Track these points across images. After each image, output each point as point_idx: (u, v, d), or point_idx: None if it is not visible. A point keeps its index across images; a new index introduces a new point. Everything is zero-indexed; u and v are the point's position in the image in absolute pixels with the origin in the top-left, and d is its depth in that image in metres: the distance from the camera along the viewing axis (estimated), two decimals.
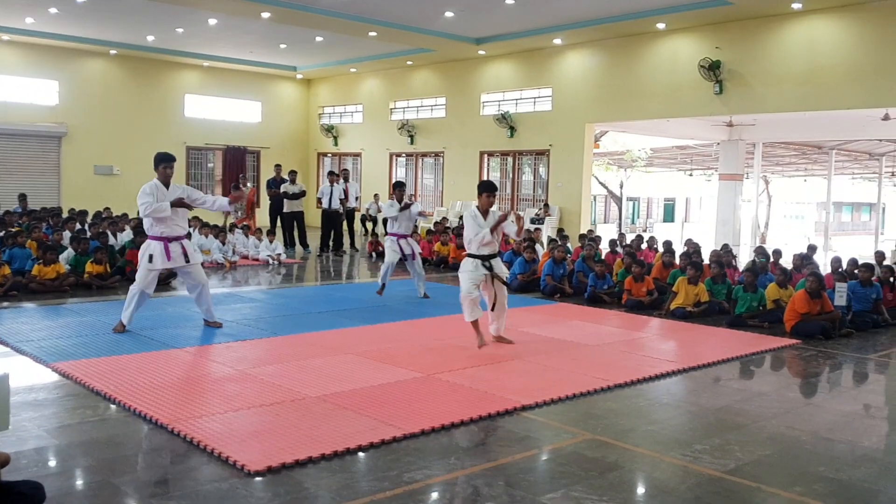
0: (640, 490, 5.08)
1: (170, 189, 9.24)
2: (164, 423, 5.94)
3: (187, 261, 9.36)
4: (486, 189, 8.98)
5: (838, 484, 5.16)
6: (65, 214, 18.85)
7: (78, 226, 16.18)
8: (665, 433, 6.18)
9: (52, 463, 5.24)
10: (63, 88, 25.29)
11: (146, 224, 9.27)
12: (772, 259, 13.97)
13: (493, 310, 9.09)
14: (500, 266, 9.03)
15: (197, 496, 4.69)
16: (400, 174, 27.54)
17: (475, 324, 8.87)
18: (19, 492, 4.18)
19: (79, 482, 4.97)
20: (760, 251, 14.78)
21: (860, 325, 10.89)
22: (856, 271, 12.10)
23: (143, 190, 9.08)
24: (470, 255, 8.97)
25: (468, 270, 8.87)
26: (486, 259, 8.88)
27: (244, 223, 19.06)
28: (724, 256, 13.76)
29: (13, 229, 15.18)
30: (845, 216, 61.62)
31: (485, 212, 8.99)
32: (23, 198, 19.83)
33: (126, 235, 15.83)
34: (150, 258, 9.13)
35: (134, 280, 9.35)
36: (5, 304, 11.25)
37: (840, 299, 10.63)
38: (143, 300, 9.37)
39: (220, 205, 9.65)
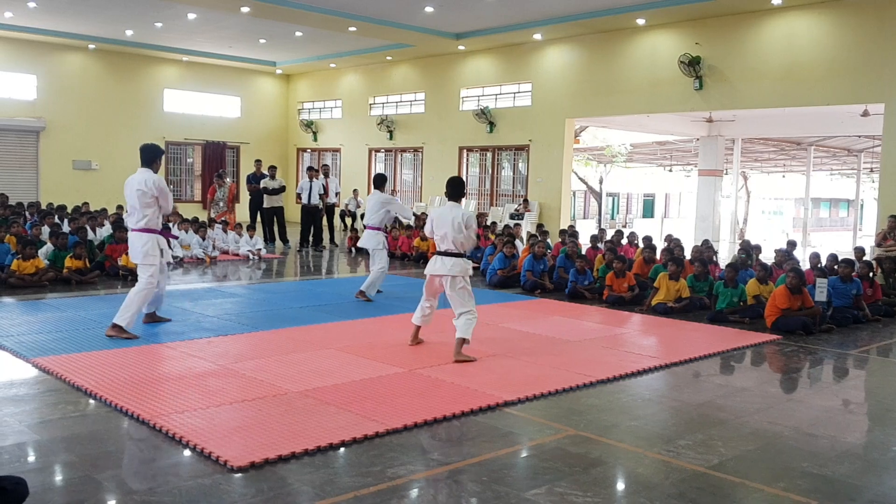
0: (624, 485, 5.09)
1: None
2: (145, 418, 5.90)
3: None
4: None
5: (822, 479, 5.19)
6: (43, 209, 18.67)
7: (57, 220, 16.06)
8: (648, 429, 6.20)
9: (34, 458, 5.20)
10: (41, 83, 25.08)
11: (154, 218, 8.95)
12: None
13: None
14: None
15: (179, 492, 4.66)
16: (379, 169, 27.48)
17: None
18: (2, 487, 4.15)
19: (60, 478, 4.93)
20: (746, 245, 14.83)
21: (840, 321, 10.96)
22: (836, 267, 12.17)
23: (164, 186, 8.95)
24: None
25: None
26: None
27: (223, 218, 19.00)
28: (706, 252, 13.79)
29: None
30: (823, 212, 62.07)
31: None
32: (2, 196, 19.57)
33: (105, 230, 15.73)
34: (161, 252, 9.07)
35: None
36: None
37: (820, 295, 10.67)
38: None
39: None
